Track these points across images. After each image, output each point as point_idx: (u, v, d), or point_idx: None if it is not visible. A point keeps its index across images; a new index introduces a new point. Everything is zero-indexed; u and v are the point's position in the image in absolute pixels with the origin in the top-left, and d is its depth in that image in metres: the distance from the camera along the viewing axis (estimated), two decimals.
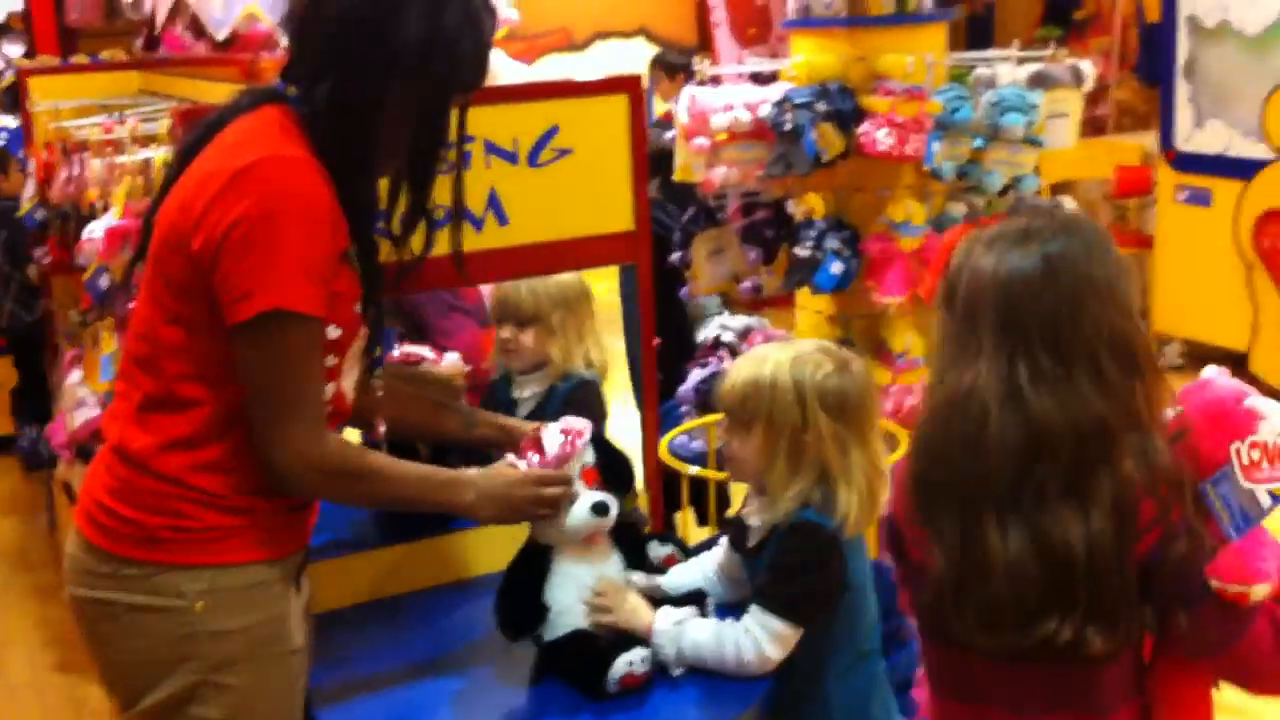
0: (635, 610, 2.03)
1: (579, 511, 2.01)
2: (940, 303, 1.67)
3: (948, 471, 1.59)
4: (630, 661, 1.96)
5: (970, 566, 1.56)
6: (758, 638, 1.97)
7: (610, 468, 2.09)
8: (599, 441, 2.10)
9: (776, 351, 2.06)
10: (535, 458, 2.02)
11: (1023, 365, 1.55)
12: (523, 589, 2.06)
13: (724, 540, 2.22)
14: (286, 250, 1.70)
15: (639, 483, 2.60)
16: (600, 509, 2.01)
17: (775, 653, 1.97)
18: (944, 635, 1.69)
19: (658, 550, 2.21)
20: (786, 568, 1.99)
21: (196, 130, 1.88)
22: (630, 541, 2.15)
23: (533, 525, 2.07)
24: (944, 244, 1.73)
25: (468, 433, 2.27)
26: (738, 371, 2.06)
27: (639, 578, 2.13)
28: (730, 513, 2.27)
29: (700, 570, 2.21)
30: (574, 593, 2.04)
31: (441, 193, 1.98)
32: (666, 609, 2.05)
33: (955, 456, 1.58)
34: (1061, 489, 1.54)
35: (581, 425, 2.07)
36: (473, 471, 2.00)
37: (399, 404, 2.21)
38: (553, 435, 2.05)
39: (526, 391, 2.68)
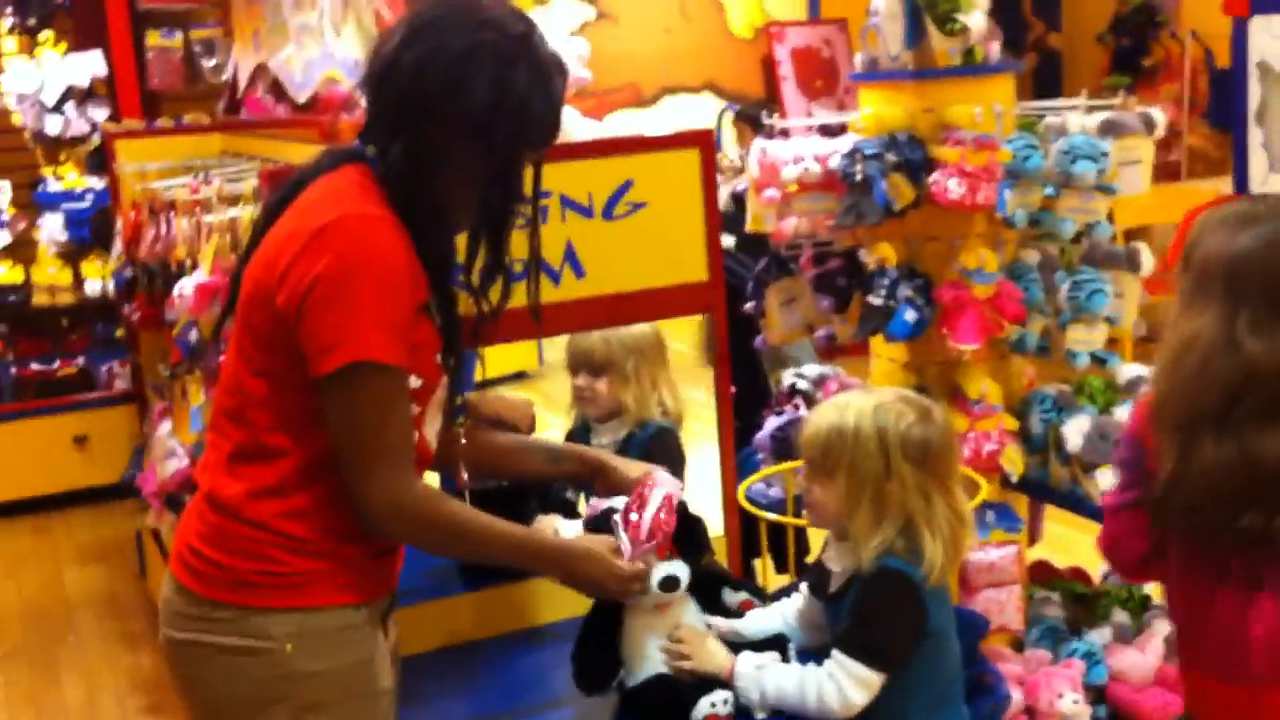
0: (714, 654, 2.05)
1: (648, 586, 2.02)
2: (1179, 266, 2.12)
3: (1176, 397, 1.98)
4: (713, 703, 1.97)
5: (1187, 468, 1.93)
6: (841, 683, 1.97)
7: (686, 533, 2.08)
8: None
9: (858, 399, 2.07)
10: (626, 538, 2.01)
11: (1243, 318, 1.92)
12: (597, 644, 2.08)
13: (803, 586, 2.22)
14: (367, 304, 1.75)
15: (716, 532, 2.63)
16: (668, 585, 2.03)
17: (859, 698, 1.97)
18: (1163, 524, 2.02)
19: (732, 597, 2.22)
20: (870, 614, 2.00)
21: (280, 190, 1.95)
22: (706, 589, 2.16)
23: None
24: (1185, 218, 2.08)
25: (553, 467, 2.29)
26: (820, 418, 2.07)
27: (719, 622, 2.14)
28: (810, 559, 2.28)
29: (780, 615, 2.22)
30: (649, 643, 2.06)
31: (519, 246, 2.02)
32: (746, 653, 2.05)
33: (1182, 386, 1.96)
34: (1264, 414, 1.89)
35: (673, 489, 2.07)
36: (566, 544, 2.03)
37: (481, 447, 2.24)
38: (654, 500, 2.03)
39: (605, 439, 2.72)
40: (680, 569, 2.05)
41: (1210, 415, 1.92)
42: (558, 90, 1.91)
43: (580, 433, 2.80)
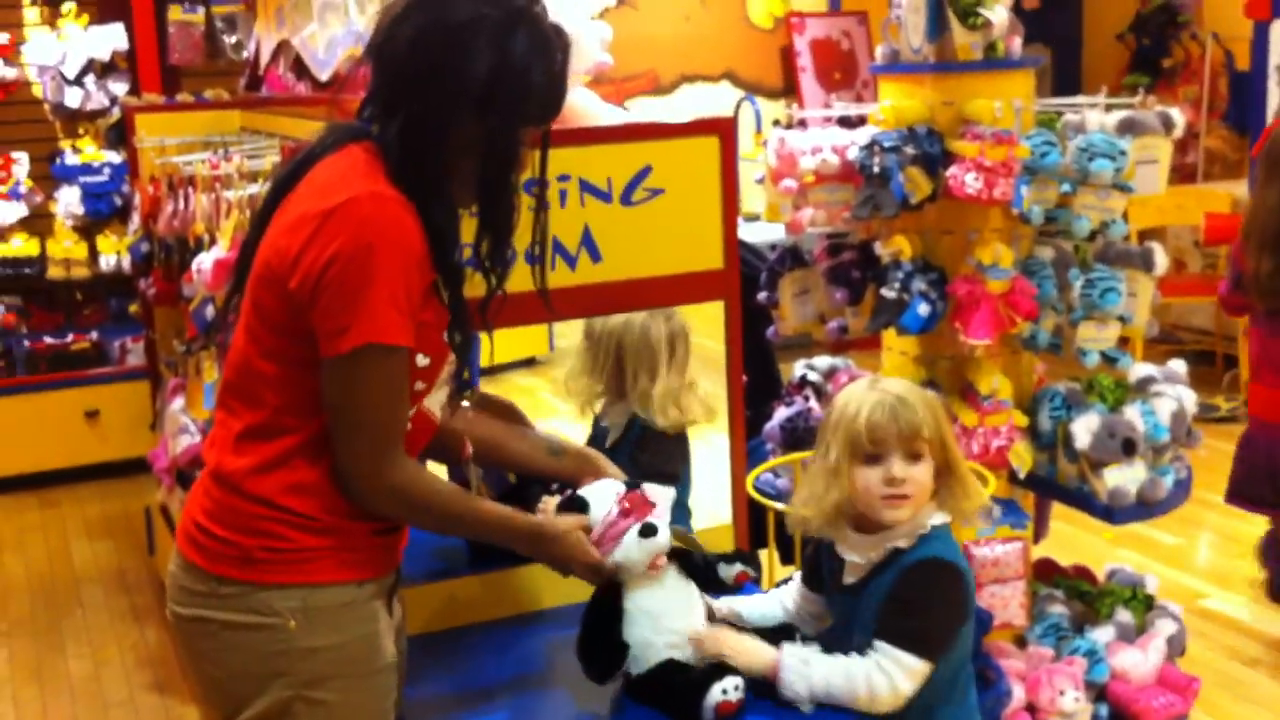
0: (755, 650, 2.04)
1: (628, 542, 2.03)
2: (1260, 156, 4.05)
3: (1256, 231, 3.95)
4: (724, 689, 1.97)
5: (1260, 273, 3.93)
6: (892, 675, 1.98)
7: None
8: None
9: (894, 384, 2.10)
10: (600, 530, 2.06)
11: None
12: (600, 632, 2.09)
13: (798, 579, 2.25)
14: (379, 285, 1.76)
15: (723, 521, 2.65)
16: (646, 530, 2.03)
17: (908, 688, 1.99)
18: (1249, 296, 4.03)
19: (727, 570, 2.24)
20: (918, 604, 2.01)
21: (286, 168, 1.96)
22: (698, 566, 2.17)
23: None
24: (1269, 126, 4.04)
25: (553, 460, 2.30)
26: (896, 403, 2.05)
27: (720, 604, 2.16)
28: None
29: (779, 603, 2.24)
30: (650, 627, 2.06)
31: (529, 229, 2.02)
32: (789, 646, 2.05)
33: (1260, 224, 3.94)
34: None
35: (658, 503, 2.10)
36: (541, 523, 2.04)
37: (485, 428, 2.26)
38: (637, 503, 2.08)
39: (615, 419, 2.76)
40: (656, 521, 2.05)
41: (1270, 240, 3.87)
42: (558, 62, 1.90)
43: (598, 422, 2.84)
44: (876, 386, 2.10)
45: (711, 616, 2.14)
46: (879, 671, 1.98)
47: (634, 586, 2.07)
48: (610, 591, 2.09)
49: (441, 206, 1.88)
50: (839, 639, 2.08)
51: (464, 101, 1.83)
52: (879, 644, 2.00)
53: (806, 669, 2.01)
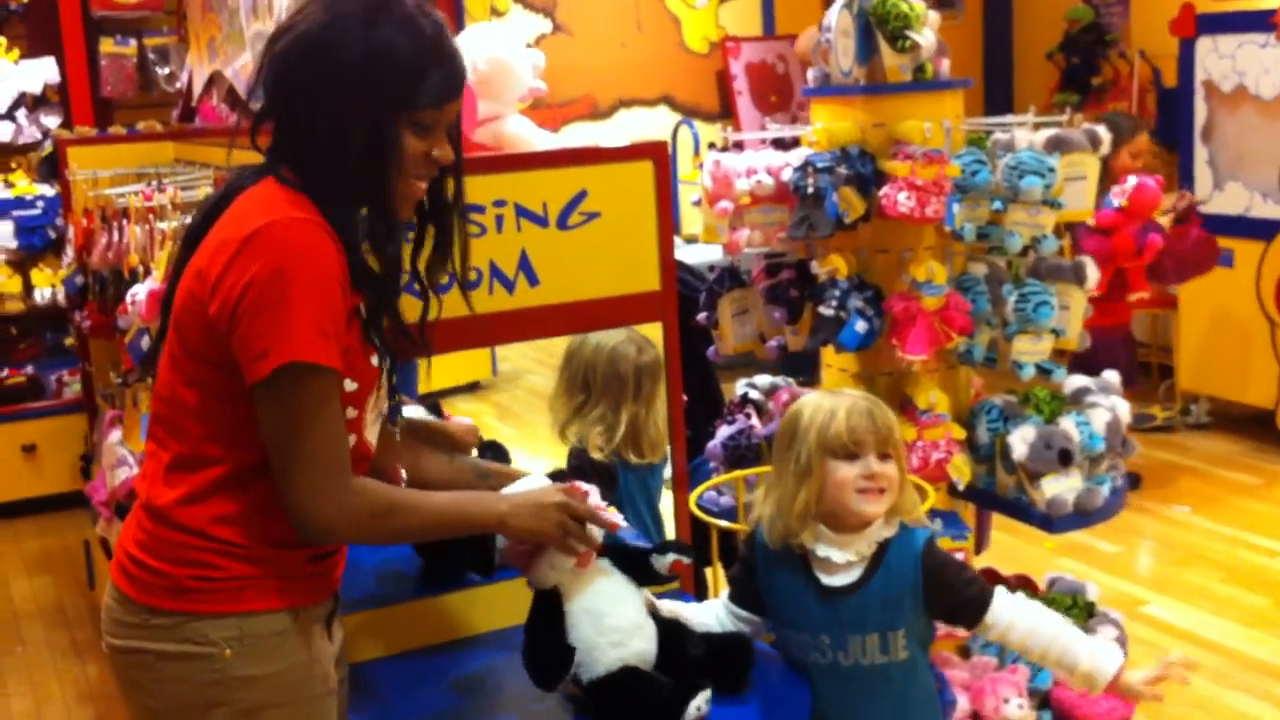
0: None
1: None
2: None
3: None
4: (699, 706, 2.01)
5: None
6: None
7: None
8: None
9: (854, 393, 2.26)
10: None
11: None
12: (544, 638, 2.09)
13: (725, 597, 2.30)
14: (299, 307, 1.75)
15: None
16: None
17: None
18: None
19: (661, 561, 2.23)
20: (959, 572, 2.25)
21: (209, 201, 1.97)
22: (630, 559, 2.18)
23: (530, 574, 2.10)
24: None
25: (480, 484, 2.30)
26: (872, 407, 2.21)
27: (663, 604, 2.18)
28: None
29: (713, 613, 2.29)
30: (593, 627, 2.08)
31: (474, 254, 2.04)
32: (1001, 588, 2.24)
33: None
34: None
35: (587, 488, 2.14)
36: (496, 494, 2.07)
37: (414, 455, 2.25)
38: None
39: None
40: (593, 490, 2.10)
41: None
42: (429, 37, 1.87)
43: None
44: (843, 393, 2.23)
45: (653, 611, 2.16)
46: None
47: (571, 588, 2.08)
48: (549, 596, 2.09)
49: (349, 212, 1.86)
50: (838, 641, 2.14)
51: (347, 97, 1.81)
52: (1003, 598, 2.20)
53: (1017, 610, 2.23)
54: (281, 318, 1.74)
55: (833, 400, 2.20)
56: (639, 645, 2.06)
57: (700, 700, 2.01)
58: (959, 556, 3.18)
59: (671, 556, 2.22)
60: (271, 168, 1.89)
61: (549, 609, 2.09)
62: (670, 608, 2.22)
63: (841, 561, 2.15)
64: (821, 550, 2.16)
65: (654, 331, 2.64)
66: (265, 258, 1.75)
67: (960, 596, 2.20)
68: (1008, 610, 2.19)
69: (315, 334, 1.76)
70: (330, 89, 1.82)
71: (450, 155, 1.93)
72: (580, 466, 2.84)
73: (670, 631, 2.18)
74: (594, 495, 2.10)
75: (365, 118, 1.83)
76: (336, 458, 1.82)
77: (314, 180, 1.84)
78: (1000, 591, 2.21)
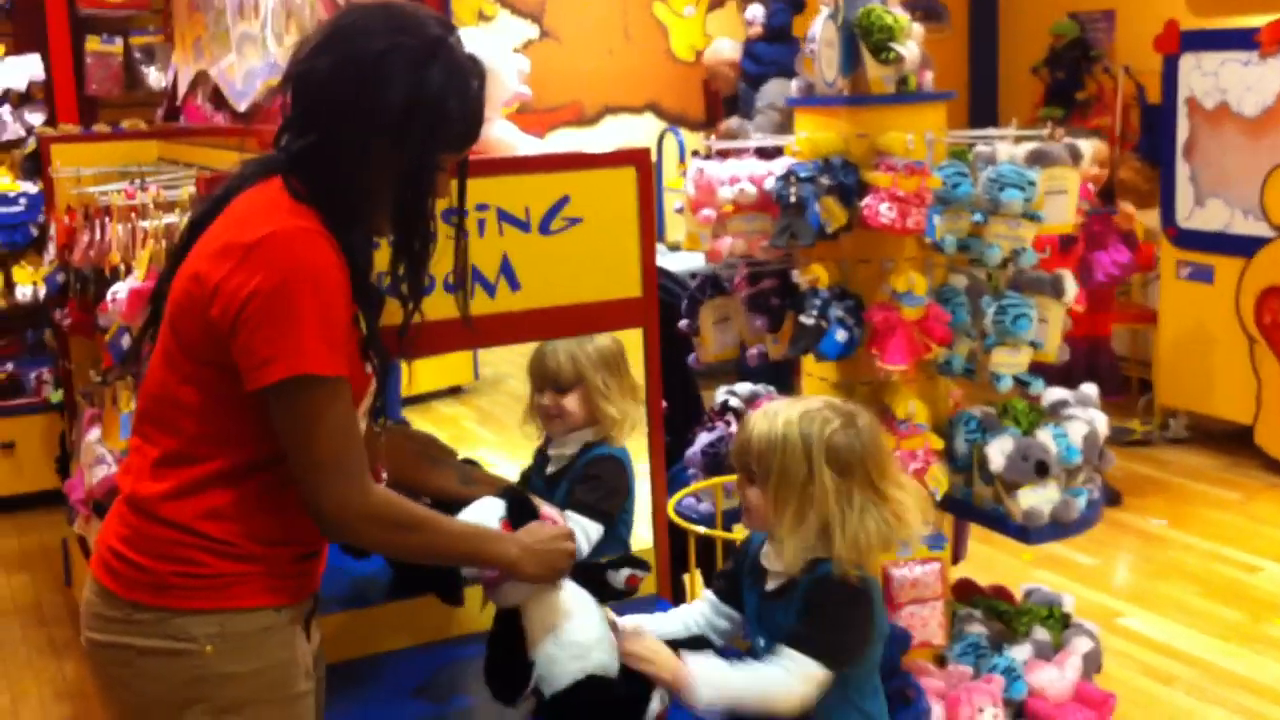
0: (670, 657, 2.08)
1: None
2: None
3: None
4: (662, 698, 2.06)
5: None
6: (796, 681, 2.04)
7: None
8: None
9: (787, 408, 2.16)
10: None
11: None
12: (504, 655, 2.11)
13: (709, 594, 2.29)
14: (304, 318, 1.77)
15: (645, 545, 2.66)
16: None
17: (812, 695, 2.05)
18: None
19: (616, 576, 2.24)
20: (824, 615, 2.08)
21: (207, 200, 1.97)
22: (588, 574, 2.20)
23: (490, 594, 2.12)
24: None
25: (463, 489, 2.32)
26: (753, 426, 2.15)
27: (624, 621, 2.19)
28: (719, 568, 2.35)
29: (681, 622, 2.28)
30: (553, 641, 2.09)
31: (449, 258, 2.05)
32: (700, 658, 2.09)
33: None
34: None
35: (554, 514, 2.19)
36: (512, 535, 2.07)
37: (398, 456, 2.27)
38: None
39: (558, 451, 2.71)
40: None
41: None
42: (474, 92, 1.93)
43: (543, 447, 2.80)
44: (793, 408, 2.18)
45: (613, 626, 2.17)
46: (786, 676, 2.04)
47: (531, 605, 2.09)
48: (511, 614, 2.10)
49: (361, 236, 1.89)
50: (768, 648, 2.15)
51: (381, 131, 1.85)
52: (789, 651, 2.07)
53: (722, 677, 2.06)
54: (289, 330, 1.76)
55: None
56: (599, 657, 2.07)
57: (663, 694, 2.04)
58: (911, 575, 3.18)
59: (626, 571, 2.25)
60: (280, 168, 1.89)
61: (509, 626, 2.11)
62: (631, 622, 2.22)
63: (777, 568, 2.16)
64: (763, 554, 2.19)
65: (634, 337, 2.64)
66: (270, 268, 1.76)
67: (793, 625, 2.10)
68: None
69: (323, 345, 1.78)
70: (368, 120, 1.84)
71: (449, 189, 1.99)
72: (597, 469, 2.76)
73: None
74: (555, 515, 2.19)
75: (394, 154, 1.85)
76: (352, 458, 1.84)
77: (329, 200, 1.85)
78: (795, 657, 2.06)
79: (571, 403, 2.66)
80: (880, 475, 2.13)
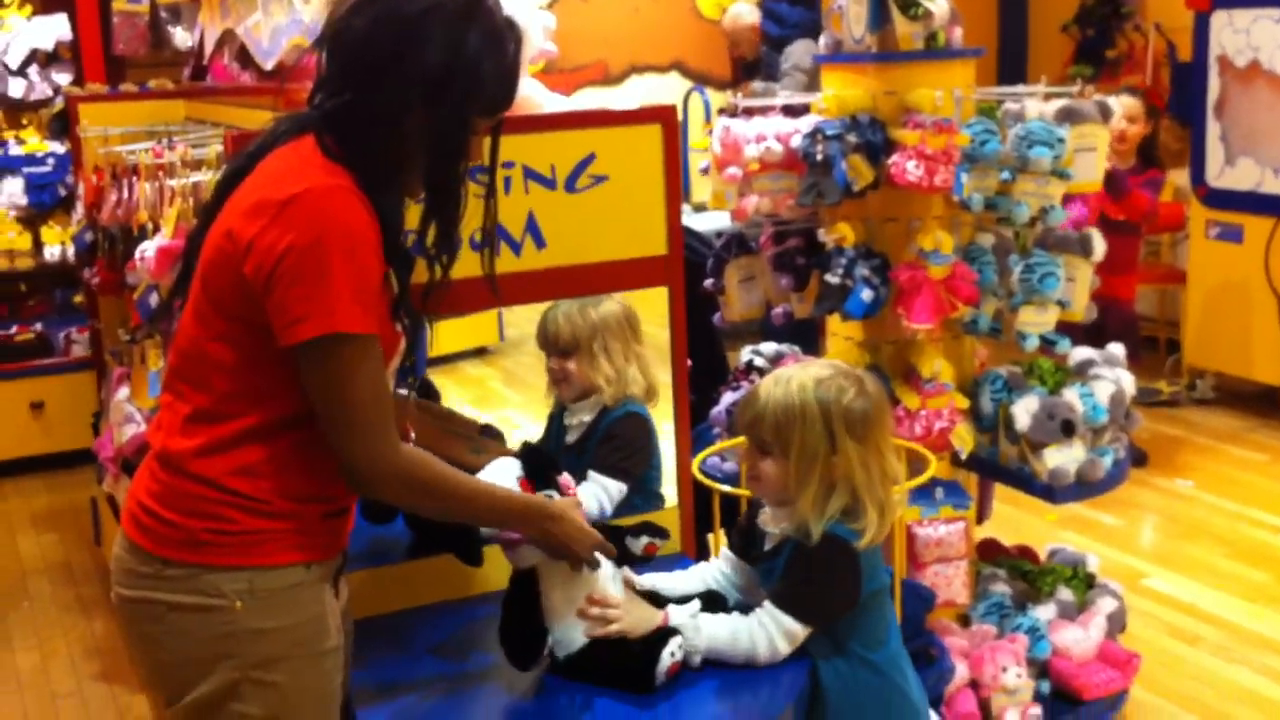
0: (645, 615, 2.14)
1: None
2: None
3: None
4: (672, 652, 2.08)
5: None
6: (771, 633, 2.11)
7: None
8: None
9: (799, 375, 2.14)
10: None
11: None
12: (520, 619, 2.13)
13: (725, 550, 2.31)
14: (337, 276, 1.77)
15: (671, 503, 2.68)
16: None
17: (785, 648, 2.12)
18: None
19: (635, 543, 2.27)
20: (808, 574, 2.11)
21: (240, 157, 1.96)
22: (606, 536, 2.20)
23: (511, 554, 2.15)
24: None
25: (474, 459, 2.32)
26: (765, 397, 2.14)
27: (638, 579, 2.20)
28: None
29: (699, 579, 2.30)
30: (570, 610, 2.12)
31: (477, 216, 2.05)
32: (673, 606, 2.15)
33: None
34: None
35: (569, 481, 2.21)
36: (542, 502, 2.10)
37: (412, 423, 2.28)
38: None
39: (576, 419, 2.75)
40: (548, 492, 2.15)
41: None
42: (510, 54, 1.92)
43: (559, 414, 2.83)
44: (805, 375, 2.18)
45: (630, 586, 2.19)
46: (760, 629, 2.13)
47: (548, 568, 2.11)
48: (526, 577, 2.12)
49: (389, 193, 1.89)
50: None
51: (416, 92, 1.84)
52: (767, 605, 2.14)
53: (694, 624, 2.12)
54: (321, 288, 1.76)
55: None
56: (618, 629, 2.10)
57: (673, 646, 2.07)
58: (936, 534, 3.20)
59: (645, 539, 2.27)
60: (313, 126, 1.89)
61: (525, 590, 2.13)
62: (649, 585, 2.24)
63: (774, 531, 2.20)
64: (761, 518, 2.24)
65: (659, 296, 2.64)
66: (303, 225, 1.77)
67: (777, 582, 2.15)
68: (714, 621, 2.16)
69: (355, 304, 1.78)
70: (404, 80, 1.84)
71: (481, 152, 1.98)
72: (624, 428, 2.78)
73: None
74: (571, 484, 2.21)
75: (428, 115, 1.85)
76: (382, 416, 1.85)
77: (362, 159, 1.85)
78: (772, 612, 2.12)
79: (574, 366, 2.69)
80: (885, 439, 2.17)
